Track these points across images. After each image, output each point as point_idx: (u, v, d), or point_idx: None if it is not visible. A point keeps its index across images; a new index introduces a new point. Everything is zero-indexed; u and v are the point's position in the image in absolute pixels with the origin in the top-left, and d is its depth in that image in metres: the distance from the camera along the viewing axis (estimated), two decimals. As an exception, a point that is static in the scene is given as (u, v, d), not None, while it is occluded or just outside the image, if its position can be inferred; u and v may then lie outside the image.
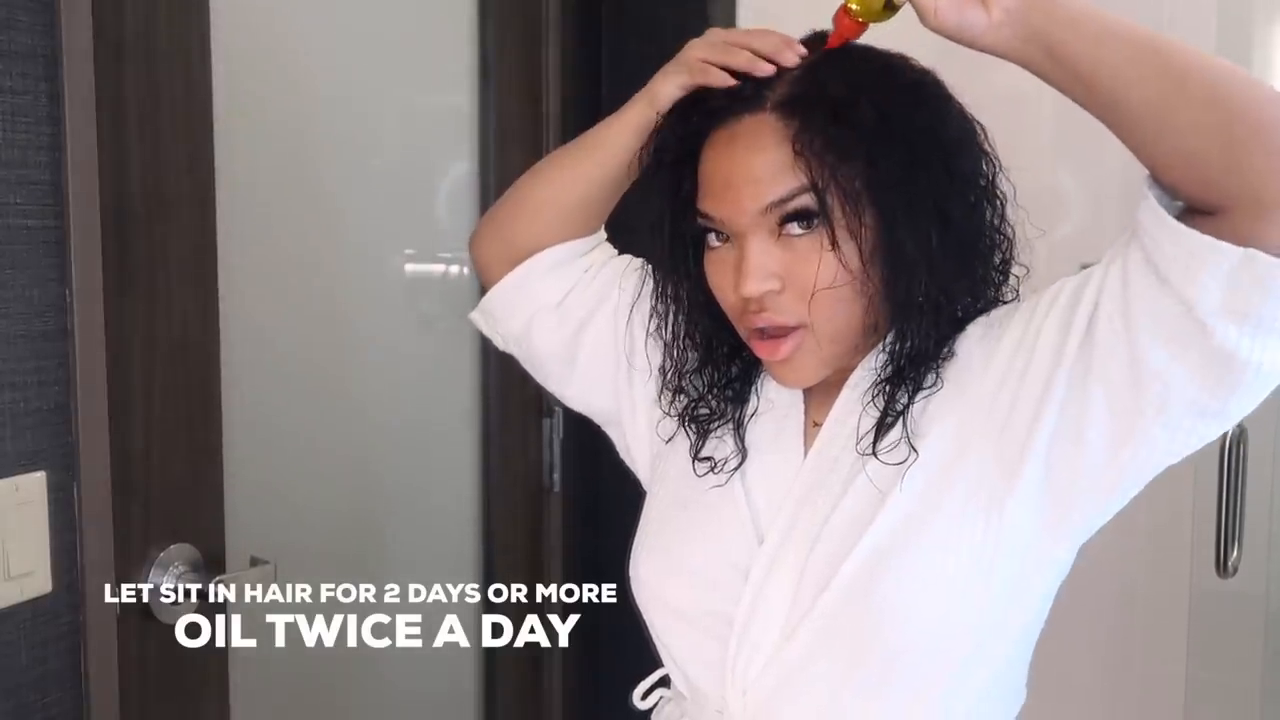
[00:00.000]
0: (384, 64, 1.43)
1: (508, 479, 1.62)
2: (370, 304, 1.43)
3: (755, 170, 0.76)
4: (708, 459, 0.87)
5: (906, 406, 0.78)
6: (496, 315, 1.01)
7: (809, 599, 0.78)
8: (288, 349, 1.30)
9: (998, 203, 0.80)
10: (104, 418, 0.97)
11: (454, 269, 1.57)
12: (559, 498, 1.69)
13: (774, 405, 0.87)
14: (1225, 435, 1.46)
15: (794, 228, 0.76)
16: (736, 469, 0.86)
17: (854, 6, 0.77)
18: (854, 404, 0.81)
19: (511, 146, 1.58)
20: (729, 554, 0.83)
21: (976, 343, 0.79)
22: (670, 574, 0.87)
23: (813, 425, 0.85)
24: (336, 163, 1.35)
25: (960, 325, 0.80)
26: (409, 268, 1.50)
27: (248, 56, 1.19)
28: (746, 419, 0.88)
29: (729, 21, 1.61)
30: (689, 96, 0.83)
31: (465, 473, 1.59)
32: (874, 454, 0.78)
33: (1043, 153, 1.56)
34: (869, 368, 0.81)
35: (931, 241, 0.75)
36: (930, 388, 0.79)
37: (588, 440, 1.74)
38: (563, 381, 1.00)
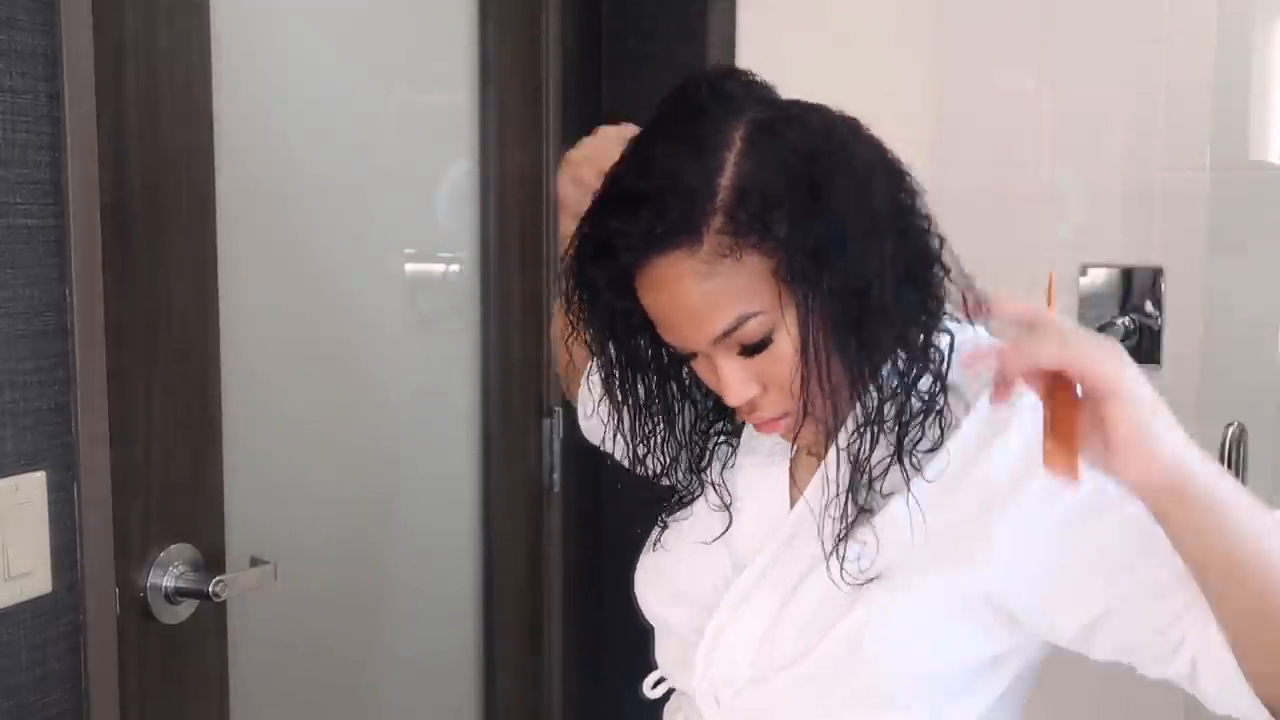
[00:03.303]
0: (384, 64, 1.42)
1: (508, 479, 1.62)
2: (370, 304, 1.43)
3: (691, 310, 0.74)
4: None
5: (881, 463, 0.77)
6: (590, 436, 1.12)
7: (781, 646, 0.80)
8: (288, 349, 1.30)
9: (933, 239, 0.78)
10: (104, 418, 0.97)
11: (454, 269, 1.57)
12: (559, 498, 1.69)
13: (762, 443, 0.89)
14: (1225, 435, 1.45)
15: (752, 350, 0.75)
16: (723, 532, 0.87)
17: None
18: (841, 458, 0.80)
19: (511, 146, 1.58)
20: (710, 578, 0.86)
21: (967, 464, 0.77)
22: (657, 588, 0.92)
23: (806, 454, 0.86)
24: (336, 162, 1.35)
25: (934, 375, 0.78)
26: (409, 268, 1.50)
27: (248, 56, 1.19)
28: (733, 460, 0.90)
29: (729, 21, 1.61)
30: (604, 243, 0.75)
31: (465, 473, 1.59)
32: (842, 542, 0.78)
33: (1043, 152, 1.55)
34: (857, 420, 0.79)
35: (895, 300, 0.74)
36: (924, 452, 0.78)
37: (588, 441, 1.75)
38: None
